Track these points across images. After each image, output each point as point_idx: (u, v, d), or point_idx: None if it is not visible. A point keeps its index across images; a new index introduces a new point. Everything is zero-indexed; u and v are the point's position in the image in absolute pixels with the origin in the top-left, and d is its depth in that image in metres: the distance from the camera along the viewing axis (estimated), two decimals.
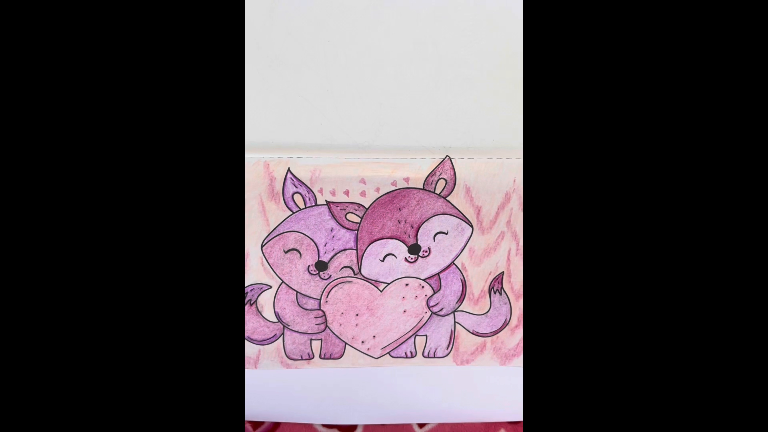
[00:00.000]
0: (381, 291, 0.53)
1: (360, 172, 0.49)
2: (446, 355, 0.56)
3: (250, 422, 0.59)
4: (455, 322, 0.55)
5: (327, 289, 0.52)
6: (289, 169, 0.49)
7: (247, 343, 0.53)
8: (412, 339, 0.55)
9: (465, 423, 0.61)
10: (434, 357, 0.56)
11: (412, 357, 0.56)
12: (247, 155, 0.50)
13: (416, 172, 0.50)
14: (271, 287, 0.52)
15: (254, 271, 0.51)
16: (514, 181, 0.50)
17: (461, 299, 0.55)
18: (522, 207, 0.51)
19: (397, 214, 0.51)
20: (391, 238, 0.51)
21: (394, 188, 0.50)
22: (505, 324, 0.55)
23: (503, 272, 0.53)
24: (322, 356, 0.54)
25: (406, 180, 0.50)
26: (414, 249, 0.52)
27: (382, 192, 0.50)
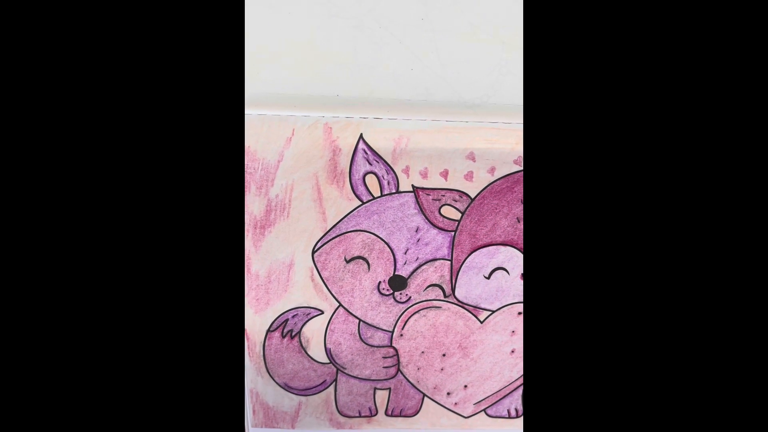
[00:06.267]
0: (482, 322, 0.45)
1: (467, 143, 0.40)
2: None
3: None
4: None
5: (404, 318, 0.45)
6: (361, 136, 0.40)
7: (282, 393, 0.45)
8: (520, 391, 0.47)
9: None
10: None
11: (517, 417, 0.48)
12: (300, 113, 0.39)
13: None
14: (322, 312, 0.44)
15: (300, 289, 0.43)
16: None
17: None
18: None
19: (518, 209, 0.41)
20: (505, 244, 0.42)
21: (517, 168, 0.41)
22: None
23: None
24: (390, 413, 0.47)
25: None
26: None
27: (498, 174, 0.41)
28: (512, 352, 0.44)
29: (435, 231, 0.41)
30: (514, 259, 0.42)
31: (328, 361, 0.45)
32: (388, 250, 0.42)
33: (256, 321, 0.42)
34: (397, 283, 0.43)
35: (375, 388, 0.46)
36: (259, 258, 0.40)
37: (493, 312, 0.44)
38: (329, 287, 0.42)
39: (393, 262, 0.42)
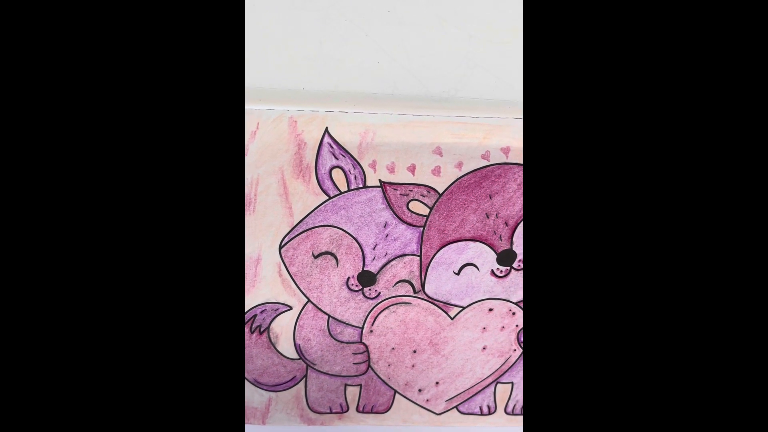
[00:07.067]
0: (452, 318, 0.45)
1: (434, 138, 0.40)
2: None
3: None
4: None
5: (373, 314, 0.45)
6: (327, 130, 0.40)
7: (252, 389, 0.46)
8: (492, 388, 0.47)
9: None
10: (522, 414, 0.48)
11: (489, 414, 0.48)
12: (264, 107, 0.39)
13: (521, 138, 0.40)
14: (291, 308, 0.44)
15: (268, 284, 0.43)
16: None
17: None
18: None
19: (486, 205, 0.41)
20: (474, 240, 0.42)
21: (485, 163, 0.41)
22: None
23: None
24: (361, 409, 0.47)
25: (505, 151, 0.41)
26: (506, 258, 0.43)
27: (466, 169, 0.41)
28: (484, 348, 0.44)
29: (403, 226, 0.41)
30: (483, 255, 0.41)
31: (298, 357, 0.44)
32: (357, 245, 0.41)
33: None
34: (367, 278, 0.42)
35: (346, 385, 0.46)
36: None
37: (464, 308, 0.43)
38: (297, 283, 0.42)
39: (362, 258, 0.42)
